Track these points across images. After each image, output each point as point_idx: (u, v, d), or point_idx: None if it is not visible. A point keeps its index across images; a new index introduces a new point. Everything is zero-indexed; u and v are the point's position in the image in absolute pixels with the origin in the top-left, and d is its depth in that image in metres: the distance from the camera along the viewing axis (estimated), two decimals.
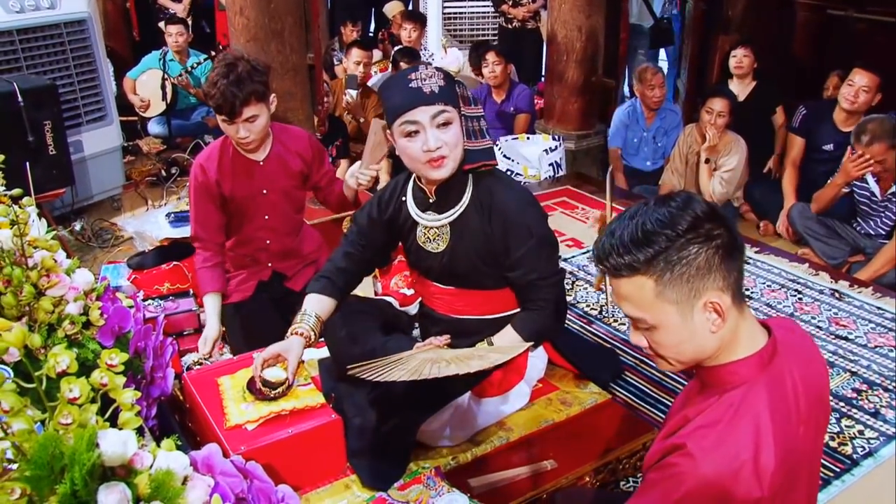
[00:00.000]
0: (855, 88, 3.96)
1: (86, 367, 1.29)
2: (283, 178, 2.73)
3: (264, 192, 2.71)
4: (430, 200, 2.17)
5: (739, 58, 4.68)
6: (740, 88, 4.73)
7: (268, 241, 2.81)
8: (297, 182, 2.79)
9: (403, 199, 2.24)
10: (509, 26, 6.23)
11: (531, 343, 2.14)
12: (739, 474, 1.17)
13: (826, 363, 1.42)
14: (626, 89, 6.62)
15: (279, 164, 2.71)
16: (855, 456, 2.32)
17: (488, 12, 6.55)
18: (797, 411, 1.27)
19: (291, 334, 2.15)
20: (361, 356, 2.14)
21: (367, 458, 2.06)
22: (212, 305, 2.72)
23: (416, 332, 2.40)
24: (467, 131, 2.08)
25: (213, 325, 2.72)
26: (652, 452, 1.31)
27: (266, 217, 2.76)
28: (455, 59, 5.37)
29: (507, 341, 2.15)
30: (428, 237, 2.20)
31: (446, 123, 2.00)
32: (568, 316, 3.02)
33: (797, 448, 1.26)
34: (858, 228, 3.79)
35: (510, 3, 6.06)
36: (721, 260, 1.21)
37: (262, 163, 2.69)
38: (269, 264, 2.84)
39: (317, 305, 2.24)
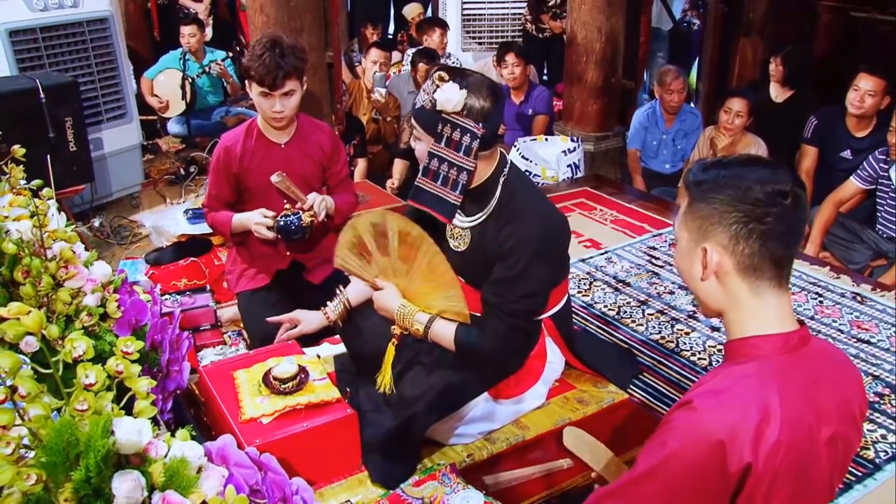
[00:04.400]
0: (860, 93, 3.92)
1: (102, 360, 1.29)
2: (303, 164, 2.80)
3: (284, 174, 2.75)
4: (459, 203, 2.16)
5: (772, 67, 4.69)
6: (777, 91, 4.73)
7: None
8: (316, 171, 2.85)
9: None
10: (540, 35, 6.23)
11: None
12: (736, 436, 1.16)
13: (865, 393, 1.40)
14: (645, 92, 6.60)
15: (300, 150, 2.79)
16: (877, 460, 2.28)
17: (508, 14, 6.55)
18: (820, 414, 1.24)
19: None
20: (375, 354, 2.20)
21: (378, 456, 2.06)
22: (241, 217, 2.74)
23: None
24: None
25: (253, 212, 2.70)
26: (662, 420, 1.31)
27: (284, 201, 2.79)
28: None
29: (443, 331, 2.11)
30: (453, 234, 2.22)
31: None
32: (585, 317, 3.02)
33: (813, 449, 1.23)
34: (881, 232, 3.73)
35: (550, 14, 6.06)
36: (738, 222, 1.24)
37: (283, 146, 2.77)
38: (288, 253, 2.86)
39: (353, 288, 2.40)
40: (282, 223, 2.66)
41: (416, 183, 2.08)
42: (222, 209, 2.81)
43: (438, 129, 1.98)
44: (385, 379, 2.17)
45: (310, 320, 2.42)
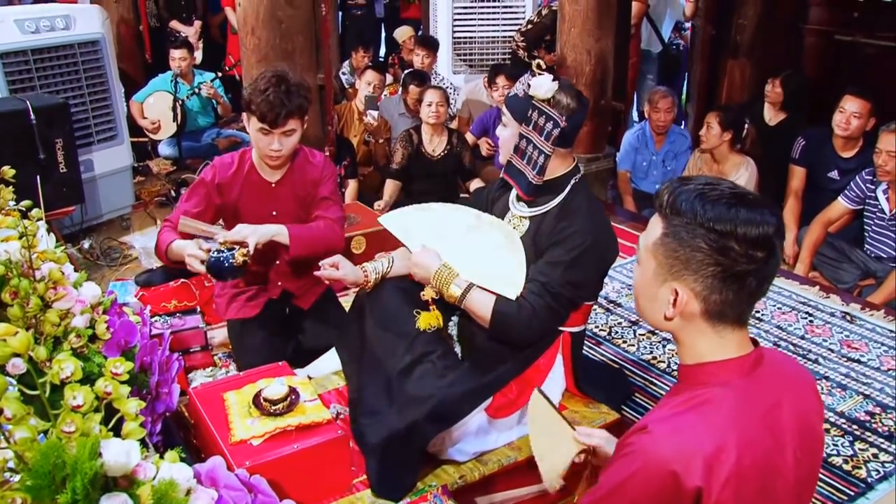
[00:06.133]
0: (846, 115, 3.96)
1: (91, 382, 1.28)
2: (293, 204, 2.69)
3: (273, 213, 2.66)
4: None
5: (769, 89, 4.75)
6: (771, 114, 4.79)
7: (277, 262, 2.75)
8: (308, 209, 2.71)
9: (512, 186, 2.38)
10: (530, 62, 6.28)
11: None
12: (691, 461, 1.16)
13: (820, 397, 1.40)
14: (634, 114, 6.65)
15: (290, 190, 2.68)
16: (869, 479, 2.28)
17: (497, 37, 6.59)
18: (780, 434, 1.25)
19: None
20: (391, 338, 2.26)
21: (376, 462, 2.06)
22: (179, 244, 2.43)
23: (451, 328, 2.42)
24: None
25: (190, 242, 2.41)
26: (619, 442, 1.31)
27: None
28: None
29: (481, 300, 2.18)
30: (512, 224, 2.34)
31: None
32: None
33: (775, 472, 1.23)
34: (869, 252, 3.76)
35: (544, 47, 6.11)
36: (716, 276, 1.21)
37: (274, 185, 2.67)
38: (279, 283, 2.80)
39: (400, 257, 2.42)
40: (212, 260, 2.34)
41: (507, 159, 2.30)
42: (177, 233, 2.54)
43: (528, 113, 2.21)
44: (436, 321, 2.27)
45: (349, 270, 2.35)
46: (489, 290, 2.19)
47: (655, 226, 1.28)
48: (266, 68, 2.65)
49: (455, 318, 2.43)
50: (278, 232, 2.49)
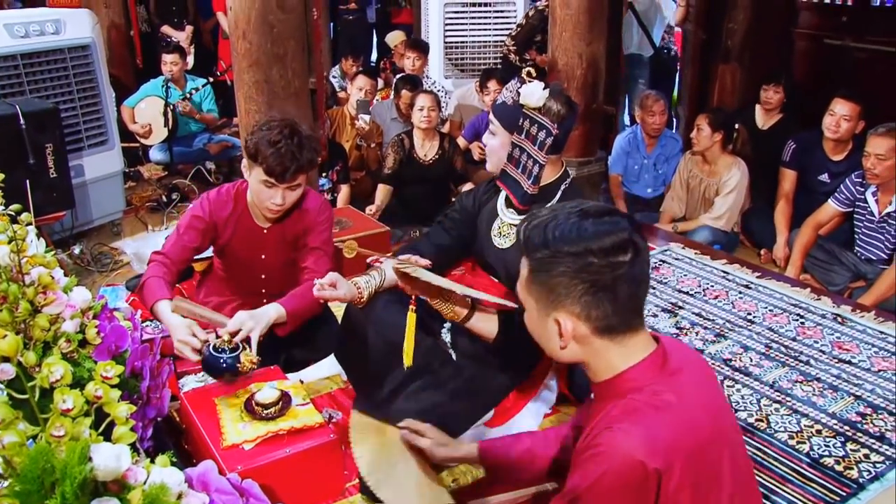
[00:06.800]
0: (836, 118, 3.98)
1: (81, 387, 1.28)
2: (284, 250, 2.64)
3: (263, 257, 2.64)
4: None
5: (770, 94, 4.70)
6: (765, 119, 4.79)
7: (263, 290, 2.72)
8: (299, 253, 2.64)
9: (500, 191, 2.35)
10: (522, 65, 6.30)
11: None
12: (653, 449, 1.21)
13: (711, 368, 1.48)
14: (626, 118, 6.66)
15: (281, 237, 2.62)
16: (861, 480, 2.29)
17: (489, 42, 6.61)
18: (710, 412, 1.31)
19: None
20: (387, 353, 2.20)
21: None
22: (166, 309, 2.29)
23: (445, 335, 2.41)
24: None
25: (180, 322, 2.25)
26: (578, 448, 1.34)
27: (263, 276, 2.67)
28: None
29: (487, 318, 2.13)
30: (500, 231, 2.31)
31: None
32: None
33: (718, 445, 1.30)
34: (859, 254, 3.78)
35: (535, 48, 6.13)
36: (586, 293, 1.26)
37: (265, 231, 2.61)
38: (263, 290, 2.74)
39: (391, 268, 2.32)
40: (209, 356, 2.12)
41: (502, 167, 2.27)
42: (178, 265, 2.51)
43: (519, 122, 2.17)
44: (408, 350, 2.13)
45: (346, 289, 2.20)
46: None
47: (523, 266, 1.35)
48: (271, 116, 2.48)
49: (448, 325, 2.42)
50: (278, 314, 2.32)
